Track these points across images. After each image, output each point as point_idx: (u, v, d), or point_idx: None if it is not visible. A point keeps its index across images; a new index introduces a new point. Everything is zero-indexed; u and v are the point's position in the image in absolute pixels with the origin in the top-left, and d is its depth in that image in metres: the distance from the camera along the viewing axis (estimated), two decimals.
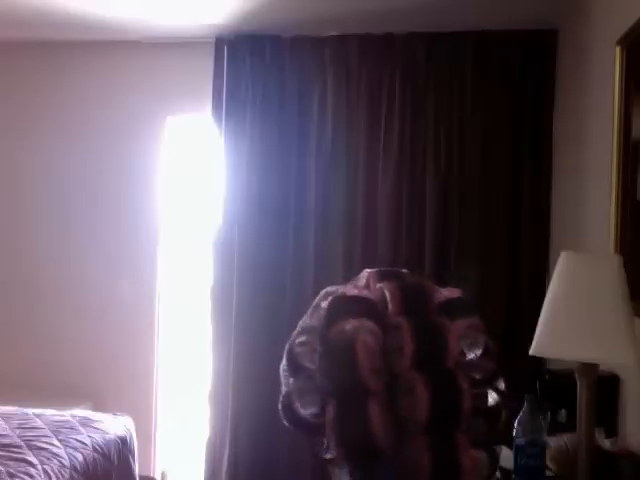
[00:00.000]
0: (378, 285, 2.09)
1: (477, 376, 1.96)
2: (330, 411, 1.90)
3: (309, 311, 2.19)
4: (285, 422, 2.10)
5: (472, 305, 2.15)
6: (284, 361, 2.12)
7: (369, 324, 1.95)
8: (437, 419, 1.85)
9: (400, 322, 1.95)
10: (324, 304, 2.11)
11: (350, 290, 2.14)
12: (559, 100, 3.72)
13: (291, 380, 2.07)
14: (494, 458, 1.99)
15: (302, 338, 2.08)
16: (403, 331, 1.92)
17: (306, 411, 2.02)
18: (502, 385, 2.00)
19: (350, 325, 1.95)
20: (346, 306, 2.04)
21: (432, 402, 1.84)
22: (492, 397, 1.95)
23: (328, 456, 1.98)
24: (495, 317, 3.69)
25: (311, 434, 2.07)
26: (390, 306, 2.00)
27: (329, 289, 2.23)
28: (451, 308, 2.05)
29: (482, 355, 2.00)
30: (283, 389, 2.12)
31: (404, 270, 2.33)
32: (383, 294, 2.04)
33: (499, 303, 3.76)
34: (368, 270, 2.27)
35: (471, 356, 1.99)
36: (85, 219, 4.39)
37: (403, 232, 3.86)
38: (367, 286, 2.16)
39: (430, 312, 2.01)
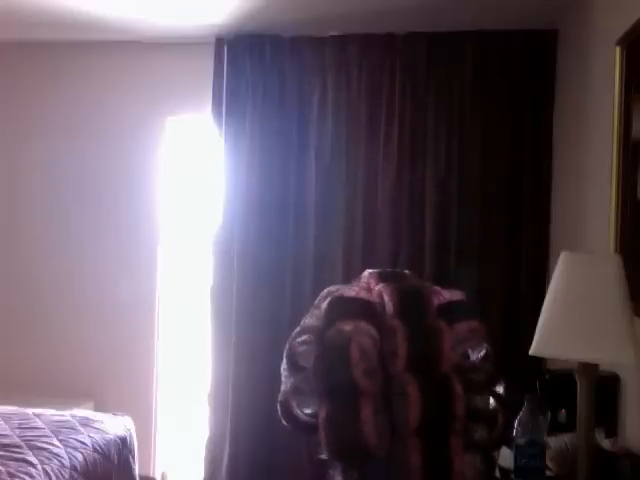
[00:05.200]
0: (378, 287, 2.09)
1: (475, 379, 1.96)
2: (323, 411, 1.90)
3: (310, 310, 2.19)
4: (283, 420, 2.10)
5: (474, 308, 2.15)
6: (284, 359, 2.12)
7: (366, 326, 1.95)
8: (429, 422, 1.85)
9: (396, 325, 1.95)
10: (324, 303, 2.11)
11: (349, 291, 2.14)
12: (559, 100, 3.72)
13: (289, 378, 2.08)
14: (491, 463, 1.99)
15: (302, 337, 2.08)
16: (398, 334, 1.92)
17: (302, 411, 2.02)
18: (500, 389, 1.99)
19: (347, 326, 1.95)
20: (344, 307, 2.05)
21: (424, 405, 1.83)
22: (490, 402, 1.95)
23: (323, 456, 1.98)
24: (495, 317, 3.69)
25: (307, 434, 2.07)
26: (388, 308, 2.00)
27: (331, 288, 2.23)
28: (452, 311, 2.05)
29: (481, 358, 2.00)
30: (282, 387, 2.12)
31: (406, 271, 2.33)
32: (382, 296, 2.04)
33: (499, 303, 3.76)
34: (369, 270, 2.26)
35: (470, 359, 1.98)
36: (85, 219, 4.39)
37: (403, 232, 3.86)
38: (368, 287, 2.16)
39: (427, 315, 2.01)
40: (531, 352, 1.88)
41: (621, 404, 2.41)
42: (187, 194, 4.43)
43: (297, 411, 2.02)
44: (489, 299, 3.71)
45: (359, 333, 1.92)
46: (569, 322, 1.80)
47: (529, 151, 3.81)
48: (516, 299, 3.77)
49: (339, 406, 1.90)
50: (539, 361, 2.79)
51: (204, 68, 4.07)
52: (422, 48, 3.87)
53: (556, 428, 2.33)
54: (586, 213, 3.06)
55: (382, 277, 2.16)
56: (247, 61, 4.02)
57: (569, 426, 2.22)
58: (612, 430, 2.33)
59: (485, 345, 2.01)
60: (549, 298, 1.87)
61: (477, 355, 1.99)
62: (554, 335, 1.83)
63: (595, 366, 1.84)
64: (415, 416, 1.83)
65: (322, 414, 1.91)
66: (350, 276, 3.59)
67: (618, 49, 2.49)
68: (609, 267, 1.80)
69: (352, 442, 1.87)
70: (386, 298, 2.02)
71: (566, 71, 3.58)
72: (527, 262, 3.78)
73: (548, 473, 2.11)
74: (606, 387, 2.30)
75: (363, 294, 2.10)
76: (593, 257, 2.07)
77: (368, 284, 2.17)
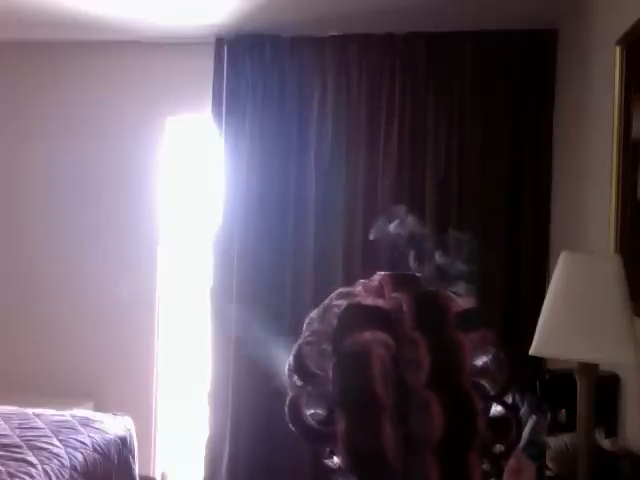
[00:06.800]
0: (393, 294, 2.07)
1: (490, 390, 1.94)
2: (341, 423, 1.88)
3: (320, 311, 2.15)
4: (291, 426, 2.09)
5: (484, 316, 2.13)
6: (291, 361, 2.09)
7: (383, 336, 1.93)
8: (451, 438, 1.83)
9: (416, 337, 1.92)
10: (337, 303, 2.08)
11: (364, 299, 2.11)
12: (559, 100, 3.72)
13: (298, 383, 2.05)
14: (499, 471, 1.98)
15: (310, 339, 2.05)
16: (419, 346, 1.89)
17: (313, 418, 2.00)
18: (509, 399, 1.98)
19: (364, 337, 1.92)
20: (360, 316, 2.01)
21: (447, 422, 1.81)
22: (499, 411, 1.94)
23: (333, 465, 1.97)
24: (495, 317, 3.69)
25: (317, 442, 2.05)
26: (406, 318, 1.97)
27: (342, 290, 2.20)
28: (465, 320, 2.03)
29: (494, 368, 1.98)
30: (290, 392, 2.10)
31: (417, 274, 2.30)
32: (398, 304, 2.01)
33: (499, 303, 3.76)
34: (381, 273, 2.24)
35: (483, 369, 1.97)
36: (85, 219, 4.39)
37: None
38: (380, 292, 2.13)
39: (447, 325, 1.98)
40: (531, 352, 1.88)
41: (621, 404, 2.41)
42: (187, 194, 4.43)
43: (310, 420, 2.00)
44: (489, 299, 3.71)
45: (378, 344, 1.90)
46: (569, 322, 1.80)
47: (529, 151, 3.81)
48: (516, 299, 3.77)
49: (358, 420, 1.87)
50: (539, 361, 2.79)
51: (204, 68, 4.07)
52: (422, 48, 3.87)
53: (556, 428, 2.33)
54: (586, 213, 3.06)
55: (395, 281, 2.13)
56: (247, 61, 4.02)
57: (569, 426, 2.22)
58: (612, 430, 2.33)
59: (497, 354, 1.99)
60: (549, 298, 1.87)
61: (489, 364, 1.97)
62: (554, 335, 1.83)
63: (595, 366, 1.84)
64: (438, 433, 1.81)
65: (340, 427, 1.89)
66: (350, 276, 3.60)
67: (618, 49, 2.48)
68: (609, 267, 1.80)
69: (372, 457, 1.85)
70: (404, 307, 1.99)
71: (566, 71, 3.58)
72: (527, 262, 3.78)
73: (548, 473, 2.11)
74: (606, 387, 2.30)
75: (379, 302, 2.08)
76: (593, 257, 2.07)
77: (381, 288, 2.14)
